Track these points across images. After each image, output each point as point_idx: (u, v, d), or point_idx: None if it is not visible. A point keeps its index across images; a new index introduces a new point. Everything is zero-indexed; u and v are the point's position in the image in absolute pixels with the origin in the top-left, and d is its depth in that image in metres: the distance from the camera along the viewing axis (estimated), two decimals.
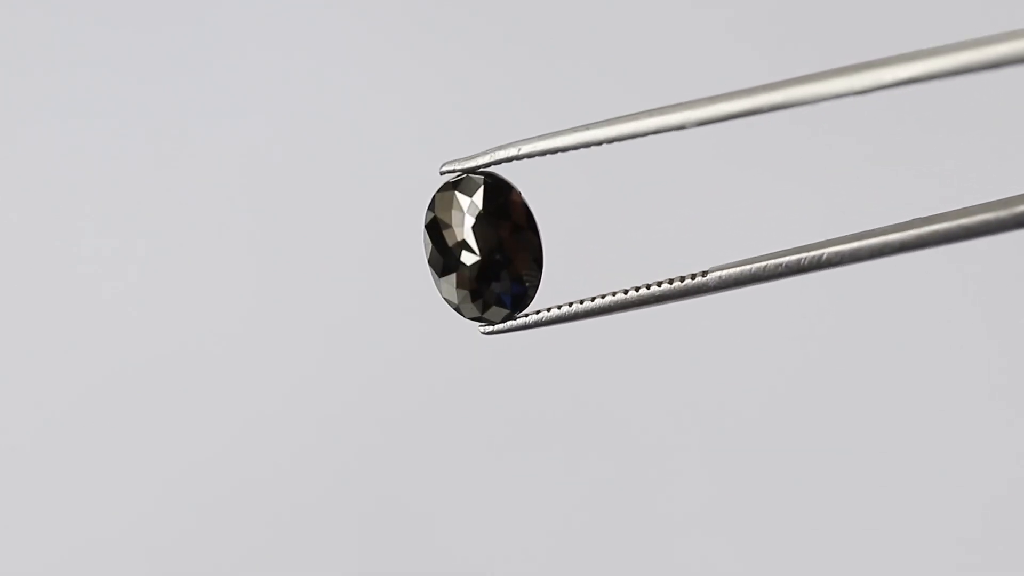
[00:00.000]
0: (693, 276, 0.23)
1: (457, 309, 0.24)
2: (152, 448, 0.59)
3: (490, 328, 0.25)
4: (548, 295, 0.25)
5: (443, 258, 0.24)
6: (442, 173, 0.24)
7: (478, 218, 0.24)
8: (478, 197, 0.24)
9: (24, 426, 0.60)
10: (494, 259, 0.24)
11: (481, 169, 0.24)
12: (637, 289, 0.23)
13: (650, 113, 0.22)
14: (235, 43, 0.63)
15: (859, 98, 0.23)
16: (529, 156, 0.23)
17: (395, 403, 0.59)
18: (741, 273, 0.22)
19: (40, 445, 0.59)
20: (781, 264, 0.22)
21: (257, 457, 0.59)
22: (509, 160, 0.24)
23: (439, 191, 0.24)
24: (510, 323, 0.24)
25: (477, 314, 0.24)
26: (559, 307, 0.24)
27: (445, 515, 0.57)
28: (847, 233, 0.23)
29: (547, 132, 0.23)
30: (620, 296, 0.23)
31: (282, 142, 0.62)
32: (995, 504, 0.55)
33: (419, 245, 0.25)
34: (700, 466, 0.57)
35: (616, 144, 0.23)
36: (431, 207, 0.24)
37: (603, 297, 0.23)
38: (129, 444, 0.59)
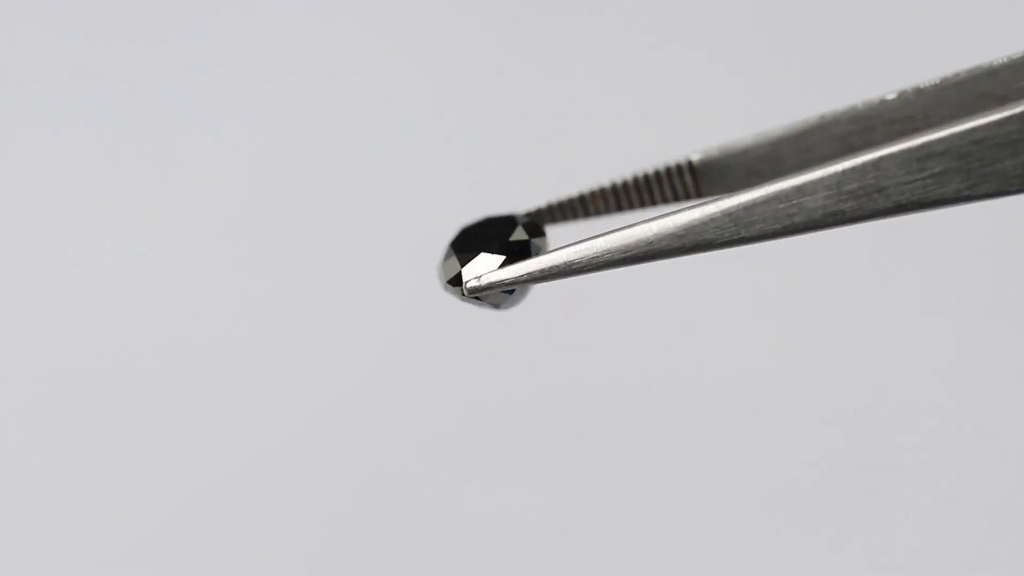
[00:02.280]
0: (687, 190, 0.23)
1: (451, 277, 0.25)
2: (144, 441, 0.59)
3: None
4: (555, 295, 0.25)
5: (453, 244, 0.25)
6: (465, 293, 0.25)
7: (497, 225, 0.25)
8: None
9: (15, 419, 0.60)
10: (497, 237, 0.25)
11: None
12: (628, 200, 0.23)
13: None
14: (232, 50, 0.63)
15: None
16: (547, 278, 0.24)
17: (387, 400, 0.59)
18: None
19: (30, 436, 0.59)
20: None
21: (244, 451, 0.58)
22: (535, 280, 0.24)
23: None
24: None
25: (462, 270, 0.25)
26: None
27: (442, 515, 0.57)
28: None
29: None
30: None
31: (278, 143, 0.62)
32: (995, 501, 0.55)
33: (411, 247, 0.25)
34: (700, 465, 0.57)
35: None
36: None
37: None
38: (118, 436, 0.59)
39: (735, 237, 0.22)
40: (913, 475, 0.56)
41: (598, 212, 0.25)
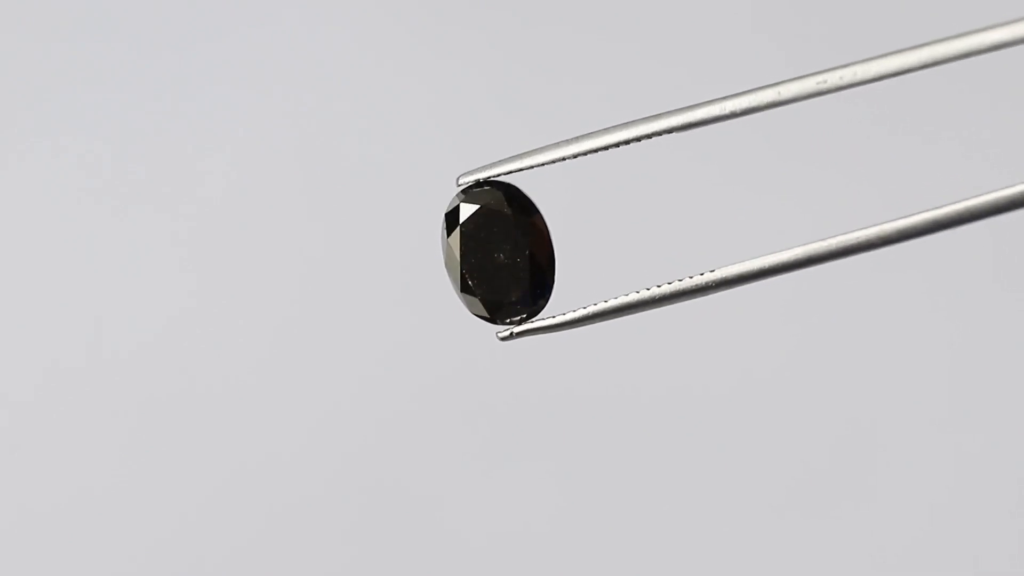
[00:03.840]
0: (703, 275, 0.24)
1: (468, 286, 0.25)
2: (146, 449, 0.59)
3: (506, 332, 0.25)
4: (560, 298, 0.25)
5: (462, 267, 0.24)
6: (459, 184, 0.24)
7: (499, 230, 0.24)
8: (497, 207, 0.24)
9: (50, 456, 0.60)
10: (512, 267, 0.24)
11: (498, 179, 0.24)
12: (649, 289, 0.24)
13: (650, 119, 0.23)
14: (248, 41, 0.63)
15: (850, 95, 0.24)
16: (542, 164, 0.24)
17: (400, 402, 0.59)
18: (748, 270, 0.23)
19: (68, 472, 0.59)
20: (786, 260, 0.23)
21: (249, 458, 0.59)
22: (524, 169, 0.24)
23: (459, 201, 0.24)
24: (525, 327, 0.25)
25: (491, 317, 0.25)
26: (574, 310, 0.24)
27: (450, 514, 0.58)
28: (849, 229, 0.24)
29: (558, 140, 0.24)
30: (633, 296, 0.24)
31: (294, 141, 0.62)
32: (992, 503, 0.56)
33: (429, 246, 0.25)
34: (701, 462, 0.57)
35: (624, 150, 0.24)
36: (450, 216, 0.24)
37: (616, 298, 0.24)
38: (123, 443, 0.59)
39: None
40: (910, 476, 0.56)
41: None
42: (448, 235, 0.24)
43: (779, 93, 0.21)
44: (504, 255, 0.24)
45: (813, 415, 0.57)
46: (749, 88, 0.22)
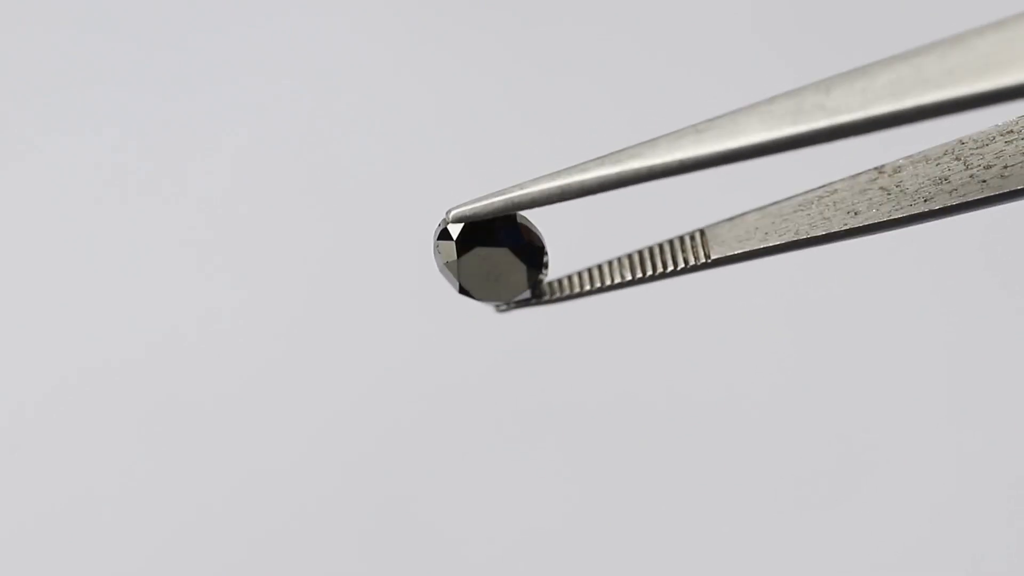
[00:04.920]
0: (696, 257, 0.24)
1: (470, 295, 0.25)
2: (146, 460, 0.59)
3: (504, 306, 0.25)
4: (555, 271, 0.26)
5: (461, 285, 0.25)
6: (449, 218, 0.24)
7: (498, 261, 0.25)
8: (494, 249, 0.25)
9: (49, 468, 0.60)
10: (510, 283, 0.25)
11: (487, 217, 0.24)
12: (644, 271, 0.24)
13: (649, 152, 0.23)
14: (249, 40, 0.64)
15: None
16: (533, 207, 0.24)
17: (403, 406, 0.59)
18: (739, 251, 0.23)
19: (66, 476, 0.59)
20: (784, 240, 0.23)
21: (253, 465, 0.59)
22: (517, 210, 0.24)
23: (452, 240, 0.24)
24: (523, 297, 0.25)
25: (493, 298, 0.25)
26: (570, 285, 0.25)
27: (452, 515, 0.58)
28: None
29: (550, 172, 0.24)
30: (626, 273, 0.24)
31: (296, 140, 0.63)
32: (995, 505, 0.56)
33: (431, 246, 0.26)
34: (702, 462, 0.57)
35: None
36: (443, 246, 0.25)
37: (608, 274, 0.25)
38: (126, 449, 0.59)
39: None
40: (910, 476, 0.56)
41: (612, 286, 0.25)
42: (444, 262, 0.25)
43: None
44: (502, 278, 0.25)
45: (813, 415, 0.57)
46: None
